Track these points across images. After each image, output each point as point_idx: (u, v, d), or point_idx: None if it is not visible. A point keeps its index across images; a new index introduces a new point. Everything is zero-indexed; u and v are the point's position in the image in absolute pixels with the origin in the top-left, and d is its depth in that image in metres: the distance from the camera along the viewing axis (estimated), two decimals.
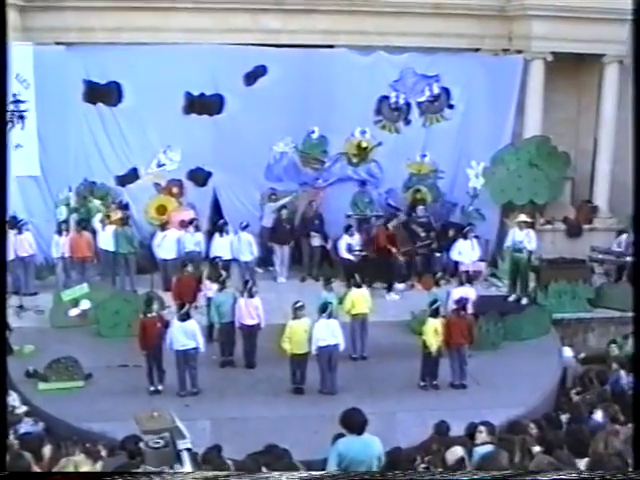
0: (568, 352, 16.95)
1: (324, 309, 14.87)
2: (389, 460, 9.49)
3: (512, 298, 18.63)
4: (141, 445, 3.94)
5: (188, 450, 3.89)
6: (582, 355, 17.17)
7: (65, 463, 4.49)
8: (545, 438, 9.96)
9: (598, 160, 21.32)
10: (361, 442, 8.87)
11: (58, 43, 19.58)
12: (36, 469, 7.63)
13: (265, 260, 20.55)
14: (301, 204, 20.84)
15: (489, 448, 8.82)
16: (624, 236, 19.74)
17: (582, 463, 7.37)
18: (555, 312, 18.28)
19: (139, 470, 3.77)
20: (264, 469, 8.99)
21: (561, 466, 6.54)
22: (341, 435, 9.10)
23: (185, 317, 14.75)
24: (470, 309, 16.29)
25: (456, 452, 7.67)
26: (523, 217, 18.83)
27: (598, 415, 11.82)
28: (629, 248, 19.49)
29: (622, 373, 14.79)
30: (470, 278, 17.60)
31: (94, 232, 19.31)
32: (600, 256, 19.98)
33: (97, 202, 19.94)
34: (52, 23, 19.24)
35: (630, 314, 17.84)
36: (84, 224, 19.36)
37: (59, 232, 18.96)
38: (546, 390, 15.40)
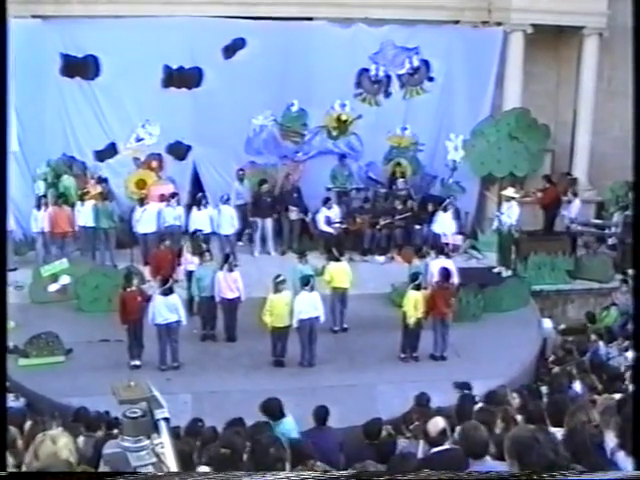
0: (548, 323, 17.05)
1: (306, 282, 14.88)
2: (368, 431, 9.58)
3: (494, 270, 18.73)
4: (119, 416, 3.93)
5: (165, 420, 3.89)
6: (562, 326, 17.30)
7: (42, 438, 4.47)
8: (525, 408, 10.04)
9: (578, 132, 21.32)
10: (289, 423, 10.15)
11: (34, 16, 19.28)
12: (20, 443, 7.70)
13: (246, 234, 20.52)
14: (280, 178, 20.80)
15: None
16: (577, 201, 19.74)
17: (559, 433, 7.41)
18: (534, 284, 18.37)
19: (141, 471, 3.77)
20: (247, 443, 9.01)
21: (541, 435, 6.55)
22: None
23: (168, 292, 14.73)
24: (451, 280, 16.33)
25: (438, 424, 7.68)
26: (510, 191, 18.92)
27: (577, 386, 11.93)
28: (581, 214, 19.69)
29: (601, 344, 14.93)
30: (448, 250, 17.64)
31: (73, 206, 19.21)
32: (579, 228, 20.03)
33: (71, 179, 19.83)
34: None
35: (608, 285, 18.12)
36: (64, 198, 19.26)
37: (38, 207, 18.81)
38: (526, 361, 15.52)
